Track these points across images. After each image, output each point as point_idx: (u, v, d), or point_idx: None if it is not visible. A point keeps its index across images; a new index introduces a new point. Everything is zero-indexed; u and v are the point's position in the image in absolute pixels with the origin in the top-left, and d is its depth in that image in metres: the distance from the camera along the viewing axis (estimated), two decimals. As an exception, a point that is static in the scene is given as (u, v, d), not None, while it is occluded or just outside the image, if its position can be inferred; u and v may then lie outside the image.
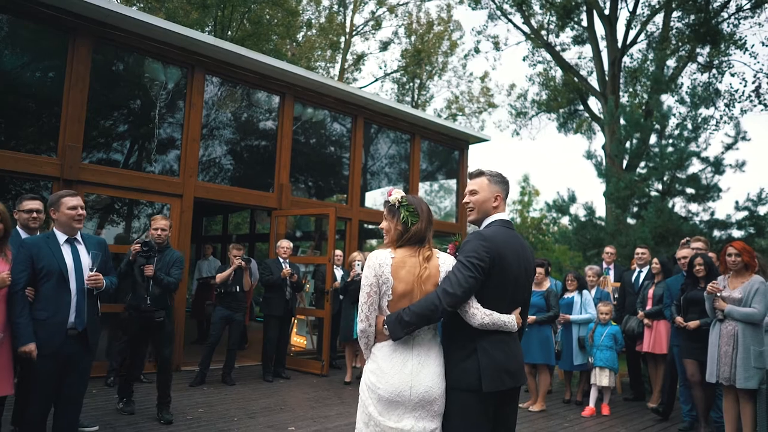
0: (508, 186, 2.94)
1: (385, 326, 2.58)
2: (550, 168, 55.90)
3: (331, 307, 8.25)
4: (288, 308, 7.88)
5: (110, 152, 8.52)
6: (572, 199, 11.92)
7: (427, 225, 2.72)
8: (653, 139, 11.67)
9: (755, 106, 18.65)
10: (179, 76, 8.45)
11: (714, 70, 19.32)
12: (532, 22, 21.63)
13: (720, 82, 19.22)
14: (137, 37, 7.68)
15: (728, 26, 18.61)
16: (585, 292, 7.15)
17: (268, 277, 7.74)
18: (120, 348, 6.47)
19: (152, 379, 5.36)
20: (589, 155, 12.14)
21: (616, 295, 7.78)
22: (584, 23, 20.28)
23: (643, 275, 7.41)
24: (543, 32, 21.56)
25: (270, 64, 8.85)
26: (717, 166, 10.69)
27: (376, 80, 30.67)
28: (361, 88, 25.55)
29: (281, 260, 7.86)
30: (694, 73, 19.97)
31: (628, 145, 12.11)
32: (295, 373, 8.18)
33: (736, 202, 10.65)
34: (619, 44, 18.95)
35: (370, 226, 12.01)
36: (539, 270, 6.82)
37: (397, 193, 2.74)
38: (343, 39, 28.97)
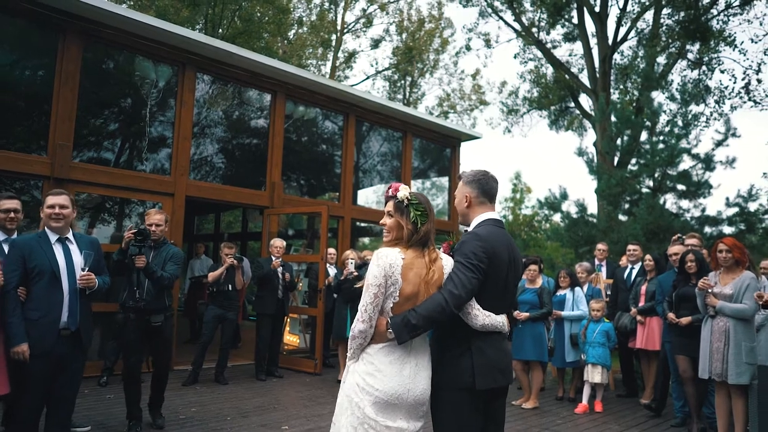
0: (483, 184, 2.81)
1: (389, 330, 2.48)
2: (541, 165, 56.13)
3: (324, 305, 8.24)
4: (281, 307, 7.87)
5: (101, 151, 8.46)
6: (564, 196, 11.97)
7: (433, 225, 2.66)
8: (644, 136, 11.76)
9: (745, 102, 18.75)
10: (170, 74, 8.40)
11: (704, 67, 19.43)
12: (523, 19, 21.67)
13: (710, 78, 19.33)
14: (127, 35, 7.63)
15: (718, 23, 18.71)
16: (577, 289, 7.17)
17: (258, 272, 7.72)
18: (114, 347, 6.41)
19: (146, 379, 5.31)
20: (581, 152, 12.20)
21: (608, 292, 7.80)
22: (575, 20, 20.32)
23: (635, 272, 7.43)
24: (534, 29, 21.60)
25: (261, 62, 8.83)
26: (707, 162, 10.78)
27: (368, 78, 30.68)
28: (352, 86, 25.45)
29: (274, 259, 7.82)
30: (684, 69, 20.09)
31: (619, 142, 12.19)
32: (288, 372, 8.16)
33: (727, 199, 10.76)
34: (610, 41, 19.00)
35: (363, 224, 12.01)
36: (533, 267, 6.85)
37: (405, 190, 2.62)
38: (334, 37, 28.90)
